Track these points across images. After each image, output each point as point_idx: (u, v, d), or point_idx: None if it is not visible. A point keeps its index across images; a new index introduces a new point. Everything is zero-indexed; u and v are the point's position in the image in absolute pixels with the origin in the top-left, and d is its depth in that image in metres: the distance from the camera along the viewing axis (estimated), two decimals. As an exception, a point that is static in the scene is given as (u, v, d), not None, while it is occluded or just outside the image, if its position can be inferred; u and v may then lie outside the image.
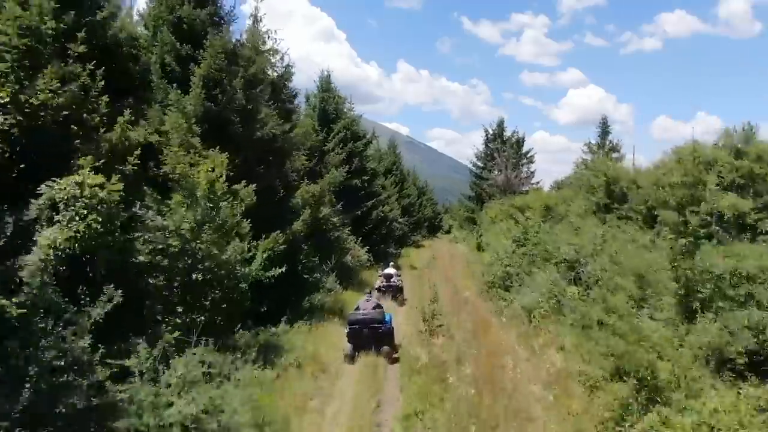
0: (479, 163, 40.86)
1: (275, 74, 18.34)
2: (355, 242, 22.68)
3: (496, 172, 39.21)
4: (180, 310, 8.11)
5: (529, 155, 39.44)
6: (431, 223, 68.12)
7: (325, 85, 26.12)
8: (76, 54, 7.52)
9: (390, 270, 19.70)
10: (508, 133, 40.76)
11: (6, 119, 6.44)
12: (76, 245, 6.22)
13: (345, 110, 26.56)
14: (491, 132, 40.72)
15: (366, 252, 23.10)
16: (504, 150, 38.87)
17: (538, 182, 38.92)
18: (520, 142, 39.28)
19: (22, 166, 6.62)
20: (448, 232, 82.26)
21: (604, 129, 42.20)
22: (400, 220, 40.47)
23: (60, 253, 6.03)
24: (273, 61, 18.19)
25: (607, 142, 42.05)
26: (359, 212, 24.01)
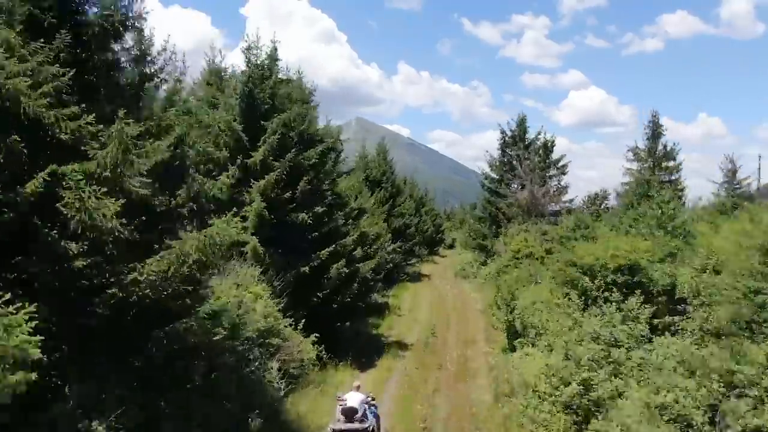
0: (493, 174, 30.68)
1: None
2: (294, 327, 12.65)
3: (515, 186, 29.13)
4: None
5: (560, 164, 29.29)
6: (432, 239, 58.03)
7: (269, 61, 16.13)
8: None
9: (354, 397, 9.64)
10: (530, 135, 30.63)
11: None
12: None
13: (294, 100, 16.59)
14: (509, 133, 30.57)
15: (315, 343, 13.04)
16: (527, 157, 28.75)
17: (571, 200, 28.84)
18: (548, 147, 29.14)
19: None
20: (452, 246, 72.15)
21: (655, 130, 32.04)
22: (390, 248, 30.43)
23: None
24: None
25: (659, 147, 32.00)
26: (307, 268, 13.97)
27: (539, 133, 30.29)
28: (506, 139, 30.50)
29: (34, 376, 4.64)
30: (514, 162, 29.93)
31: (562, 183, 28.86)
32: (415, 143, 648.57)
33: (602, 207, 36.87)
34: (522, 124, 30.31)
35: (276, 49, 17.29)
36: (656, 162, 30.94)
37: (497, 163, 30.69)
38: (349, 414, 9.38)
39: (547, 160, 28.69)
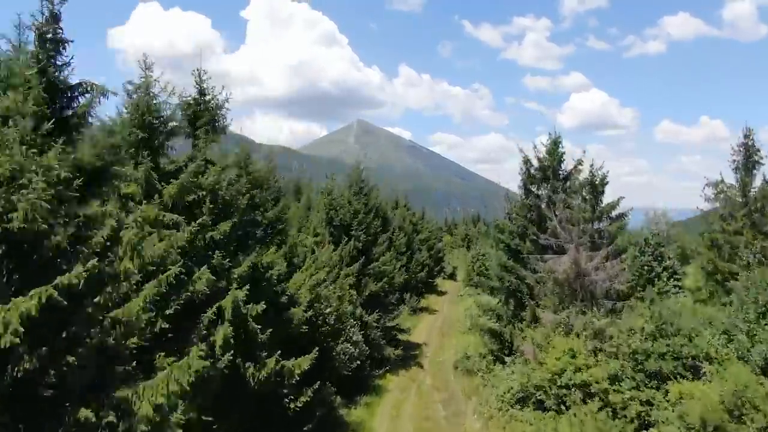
0: (513, 226, 20.16)
1: None
2: None
3: (546, 240, 18.63)
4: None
5: (616, 211, 18.78)
6: (429, 271, 47.35)
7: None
8: None
9: None
10: (566, 162, 20.11)
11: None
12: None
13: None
14: (536, 164, 20.06)
15: None
16: (567, 203, 18.30)
17: (635, 280, 18.43)
18: (596, 186, 18.61)
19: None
20: (452, 275, 61.37)
21: (749, 158, 21.47)
22: (358, 337, 20.19)
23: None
24: None
25: (757, 183, 21.41)
26: None
27: (579, 163, 19.79)
28: (531, 171, 19.97)
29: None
30: (543, 206, 19.48)
31: (620, 243, 18.32)
32: (416, 146, 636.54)
33: (660, 260, 26.35)
34: (555, 149, 19.75)
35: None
36: (755, 206, 20.41)
37: (518, 207, 20.20)
38: None
39: (597, 208, 18.19)
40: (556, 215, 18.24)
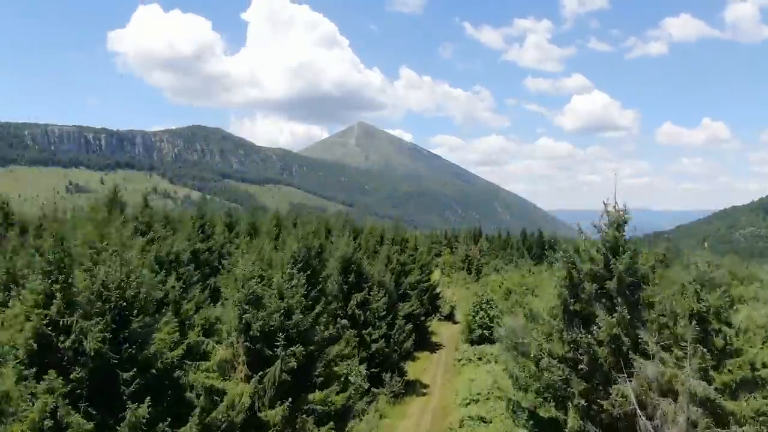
0: (545, 378, 11.00)
1: None
2: None
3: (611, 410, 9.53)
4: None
5: (728, 340, 9.63)
6: (422, 324, 38.17)
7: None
8: None
9: None
10: (634, 238, 10.96)
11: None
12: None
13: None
14: (587, 266, 10.92)
15: None
16: (659, 354, 9.18)
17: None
18: (707, 320, 9.48)
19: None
20: (450, 316, 52.00)
21: None
22: None
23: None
24: None
25: None
26: None
27: (661, 259, 10.75)
28: (576, 278, 10.89)
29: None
30: (601, 350, 10.38)
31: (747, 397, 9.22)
32: (417, 148, 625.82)
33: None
34: (618, 239, 10.68)
35: None
36: None
37: (554, 341, 11.12)
38: None
39: (723, 364, 9.11)
40: (629, 380, 9.23)
